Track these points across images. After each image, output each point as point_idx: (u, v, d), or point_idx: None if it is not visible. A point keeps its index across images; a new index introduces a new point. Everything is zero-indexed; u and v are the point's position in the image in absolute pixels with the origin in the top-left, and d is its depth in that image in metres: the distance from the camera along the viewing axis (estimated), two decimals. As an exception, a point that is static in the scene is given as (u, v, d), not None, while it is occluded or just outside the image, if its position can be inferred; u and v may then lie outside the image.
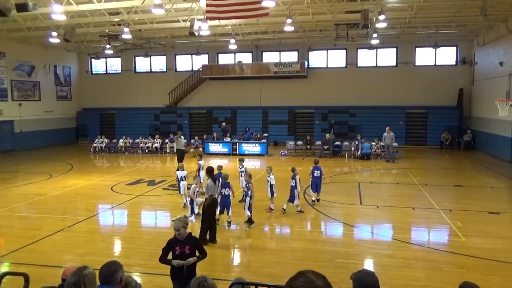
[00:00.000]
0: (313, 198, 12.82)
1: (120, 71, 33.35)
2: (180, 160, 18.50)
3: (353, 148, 23.13)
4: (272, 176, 11.64)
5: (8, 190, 15.32)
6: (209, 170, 10.02)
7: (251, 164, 20.78)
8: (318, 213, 11.84)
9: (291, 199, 11.54)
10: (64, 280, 3.81)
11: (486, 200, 13.15)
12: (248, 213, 10.45)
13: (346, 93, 28.62)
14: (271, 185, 11.60)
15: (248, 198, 10.46)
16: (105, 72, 34.02)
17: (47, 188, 15.47)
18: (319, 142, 24.31)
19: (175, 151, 21.46)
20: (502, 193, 14.97)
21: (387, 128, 21.90)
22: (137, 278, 7.41)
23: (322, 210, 12.02)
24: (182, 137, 20.45)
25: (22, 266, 7.37)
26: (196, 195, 11.03)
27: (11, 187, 15.92)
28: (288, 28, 20.69)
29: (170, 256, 5.62)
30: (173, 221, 5.57)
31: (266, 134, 28.06)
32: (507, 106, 17.46)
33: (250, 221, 10.47)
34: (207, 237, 9.19)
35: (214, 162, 18.84)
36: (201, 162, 14.61)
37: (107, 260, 3.64)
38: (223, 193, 10.18)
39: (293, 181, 11.53)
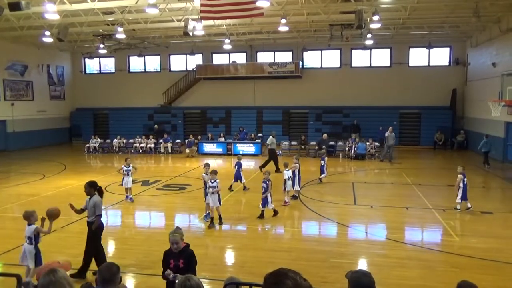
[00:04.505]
0: (297, 194, 13.52)
1: (114, 71, 33.20)
2: (275, 160, 18.38)
3: (347, 148, 23.19)
4: (289, 171, 12.64)
5: (0, 190, 15.19)
6: (93, 184, 7.78)
7: (246, 164, 20.67)
8: (312, 213, 11.86)
9: (463, 197, 11.70)
10: None
11: (479, 200, 13.21)
12: (261, 206, 11.04)
13: (340, 94, 28.70)
14: (288, 178, 12.53)
15: (268, 194, 11.04)
16: (98, 72, 33.83)
17: (40, 188, 15.37)
18: (313, 142, 24.33)
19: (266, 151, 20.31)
20: (495, 193, 15.11)
21: (390, 128, 21.95)
22: (131, 278, 7.41)
23: (316, 210, 12.04)
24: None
25: (15, 267, 7.30)
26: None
27: (3, 187, 15.79)
28: (283, 28, 20.70)
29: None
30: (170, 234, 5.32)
31: (260, 134, 28.05)
32: (499, 107, 17.59)
33: (262, 215, 11.06)
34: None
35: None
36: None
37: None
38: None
39: (465, 179, 11.73)
